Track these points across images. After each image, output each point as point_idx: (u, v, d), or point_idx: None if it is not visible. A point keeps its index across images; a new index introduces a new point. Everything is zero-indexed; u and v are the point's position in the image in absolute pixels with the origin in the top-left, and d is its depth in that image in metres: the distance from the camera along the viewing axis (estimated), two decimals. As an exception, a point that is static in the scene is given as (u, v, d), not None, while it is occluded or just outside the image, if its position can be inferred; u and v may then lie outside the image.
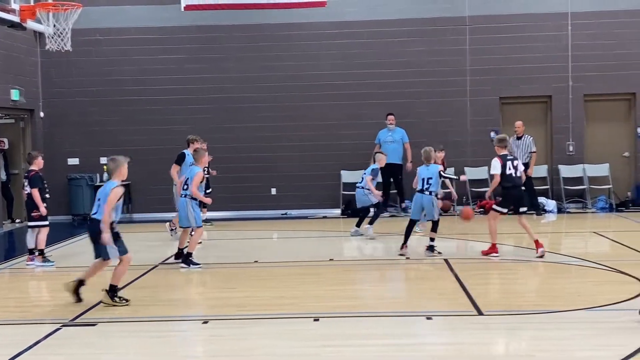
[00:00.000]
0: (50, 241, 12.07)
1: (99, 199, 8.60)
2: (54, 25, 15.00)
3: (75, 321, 7.91)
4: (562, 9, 17.76)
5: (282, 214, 17.80)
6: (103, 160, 16.97)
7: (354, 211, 15.00)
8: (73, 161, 18.12)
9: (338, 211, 17.89)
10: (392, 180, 16.89)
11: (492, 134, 17.27)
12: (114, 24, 18.17)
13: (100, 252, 8.50)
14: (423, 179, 11.46)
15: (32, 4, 15.04)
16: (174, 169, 13.30)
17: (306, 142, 18.07)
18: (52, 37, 14.89)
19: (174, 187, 13.47)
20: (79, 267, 9.78)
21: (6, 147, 17.53)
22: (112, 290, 8.55)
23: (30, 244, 11.52)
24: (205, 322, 7.85)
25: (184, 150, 13.46)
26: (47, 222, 11.52)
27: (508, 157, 11.19)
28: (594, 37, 17.76)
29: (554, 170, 17.95)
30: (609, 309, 7.84)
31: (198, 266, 10.86)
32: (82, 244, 13.43)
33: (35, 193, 11.25)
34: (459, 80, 17.94)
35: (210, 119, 18.03)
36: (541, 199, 17.18)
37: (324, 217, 17.60)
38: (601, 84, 17.83)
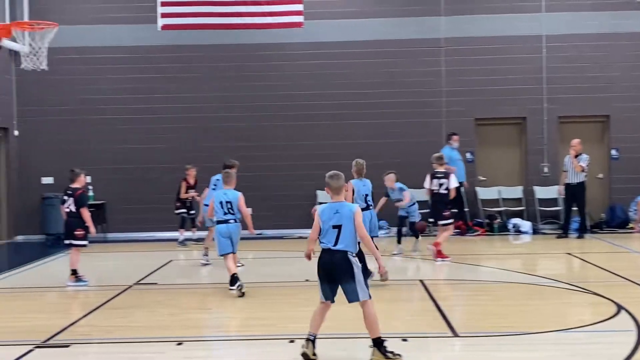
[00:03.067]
0: (24, 260, 11.88)
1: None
2: (30, 44, 14.98)
3: (48, 342, 7.81)
4: (536, 32, 17.99)
5: (257, 234, 17.63)
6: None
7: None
8: (47, 180, 17.84)
9: (314, 231, 17.82)
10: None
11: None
12: (90, 42, 18.08)
13: (349, 292, 6.99)
14: (365, 195, 10.79)
15: (7, 22, 14.99)
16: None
17: (282, 162, 18.06)
18: (28, 56, 14.85)
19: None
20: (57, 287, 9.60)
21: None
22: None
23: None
24: (180, 344, 7.75)
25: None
26: (87, 242, 11.35)
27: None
28: (568, 60, 17.99)
29: (528, 192, 18.09)
30: (582, 331, 7.88)
31: None
32: (56, 264, 13.31)
33: (85, 212, 11.13)
34: (435, 101, 18.07)
35: (187, 139, 18.01)
36: (516, 220, 17.30)
37: (300, 238, 17.55)
38: (575, 106, 18.05)
